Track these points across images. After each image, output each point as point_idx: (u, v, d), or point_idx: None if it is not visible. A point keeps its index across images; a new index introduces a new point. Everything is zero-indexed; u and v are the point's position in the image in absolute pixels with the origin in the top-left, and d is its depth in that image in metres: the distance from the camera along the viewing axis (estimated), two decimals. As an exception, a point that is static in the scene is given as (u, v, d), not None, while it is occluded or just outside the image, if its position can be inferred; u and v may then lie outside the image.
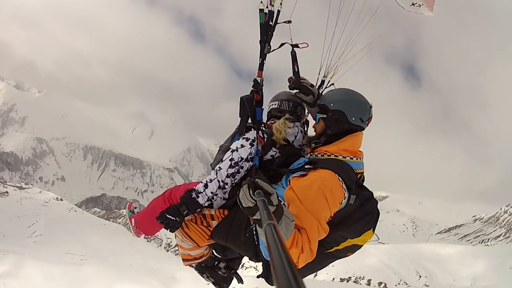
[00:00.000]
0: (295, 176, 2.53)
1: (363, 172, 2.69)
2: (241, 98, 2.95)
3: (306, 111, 3.26)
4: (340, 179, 2.41)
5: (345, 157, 2.58)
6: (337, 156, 2.58)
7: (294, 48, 3.00)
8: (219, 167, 2.91)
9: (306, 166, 2.56)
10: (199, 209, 2.92)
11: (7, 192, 32.86)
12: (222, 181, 2.88)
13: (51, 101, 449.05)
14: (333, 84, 3.22)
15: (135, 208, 3.67)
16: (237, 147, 2.91)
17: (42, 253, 18.14)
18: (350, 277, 31.07)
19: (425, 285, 28.62)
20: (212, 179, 2.90)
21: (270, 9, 2.88)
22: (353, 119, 2.65)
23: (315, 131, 2.84)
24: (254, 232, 2.59)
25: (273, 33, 2.93)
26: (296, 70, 2.98)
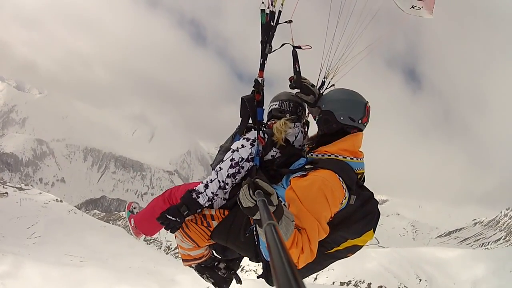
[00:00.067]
0: (296, 176, 2.53)
1: (363, 173, 2.68)
2: (242, 98, 2.94)
3: (307, 111, 3.26)
4: (341, 179, 2.41)
5: (345, 157, 2.58)
6: (337, 156, 2.58)
7: (296, 49, 2.99)
8: (220, 167, 2.90)
9: (307, 166, 2.56)
10: (199, 210, 2.91)
11: (6, 193, 32.82)
12: (223, 181, 2.86)
13: (51, 102, 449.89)
14: (333, 85, 3.23)
15: (134, 208, 3.65)
16: (237, 147, 2.90)
17: (41, 254, 18.10)
18: (350, 281, 30.96)
19: (425, 288, 28.54)
20: (213, 179, 2.89)
21: (271, 10, 2.89)
22: (342, 118, 2.66)
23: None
24: (254, 232, 2.59)
25: (274, 33, 2.94)
26: (297, 69, 2.98)
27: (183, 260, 3.34)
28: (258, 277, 2.77)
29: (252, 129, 3.02)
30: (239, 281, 3.42)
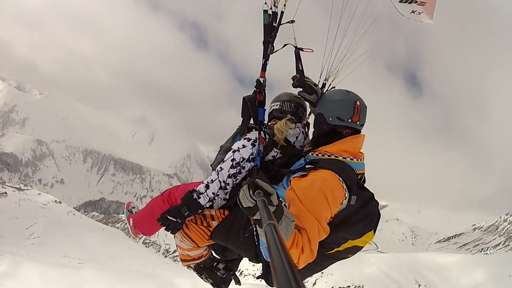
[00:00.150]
0: (296, 177, 2.54)
1: (363, 173, 2.69)
2: (243, 98, 2.95)
3: (308, 112, 3.28)
4: (341, 179, 2.41)
5: (345, 158, 2.59)
6: (337, 156, 2.59)
7: (298, 50, 3.02)
8: (221, 168, 2.89)
9: (307, 166, 2.57)
10: (200, 210, 2.90)
11: (6, 193, 32.76)
12: (224, 181, 2.86)
13: (52, 103, 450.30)
14: (334, 87, 3.24)
15: (133, 208, 3.62)
16: (238, 148, 2.90)
17: (40, 255, 18.05)
18: (349, 286, 30.83)
19: (424, 294, 28.42)
20: (214, 179, 2.89)
21: (274, 10, 2.92)
22: (330, 119, 2.68)
23: None
24: (254, 233, 2.59)
25: (277, 34, 2.96)
26: (300, 68, 3.00)
27: (182, 260, 3.32)
28: (258, 277, 2.77)
29: (253, 130, 3.02)
30: (238, 282, 3.40)
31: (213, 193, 2.86)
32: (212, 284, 3.36)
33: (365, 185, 2.73)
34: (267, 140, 2.93)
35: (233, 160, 2.87)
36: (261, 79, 2.97)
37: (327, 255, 2.62)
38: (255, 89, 2.97)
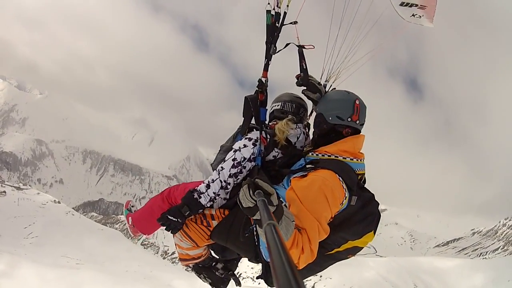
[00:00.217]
0: (296, 177, 2.54)
1: (364, 174, 2.69)
2: (245, 97, 2.95)
3: (309, 113, 3.29)
4: (341, 179, 2.42)
5: (345, 158, 2.59)
6: (337, 156, 2.60)
7: (297, 47, 3.03)
8: (222, 167, 2.88)
9: (307, 166, 2.58)
10: (201, 210, 2.89)
11: (4, 191, 32.68)
12: (225, 181, 2.85)
13: (52, 103, 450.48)
14: (334, 88, 3.25)
15: (132, 206, 3.60)
16: (239, 147, 2.89)
17: (38, 255, 17.99)
18: (347, 290, 30.69)
19: (423, 298, 28.34)
20: (214, 179, 2.87)
21: (276, 11, 2.93)
22: (330, 118, 2.69)
23: None
24: (254, 233, 2.59)
25: (279, 34, 2.98)
26: (304, 67, 3.02)
27: (181, 259, 3.30)
28: (257, 277, 2.76)
29: (254, 129, 3.02)
30: (237, 282, 3.38)
31: (214, 193, 2.85)
32: (210, 284, 3.34)
33: (365, 186, 2.73)
34: (268, 140, 2.93)
35: (234, 159, 2.86)
36: (263, 79, 2.98)
37: (327, 255, 2.62)
38: (257, 89, 2.98)
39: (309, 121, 3.28)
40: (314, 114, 3.11)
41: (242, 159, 2.86)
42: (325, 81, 3.32)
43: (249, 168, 2.90)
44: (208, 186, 2.87)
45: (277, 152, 2.95)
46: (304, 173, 2.52)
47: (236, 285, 3.38)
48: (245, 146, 2.89)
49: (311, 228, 2.17)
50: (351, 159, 2.60)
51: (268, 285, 2.75)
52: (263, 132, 2.92)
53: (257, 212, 1.86)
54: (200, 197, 2.85)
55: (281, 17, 2.95)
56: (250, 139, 2.92)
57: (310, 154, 2.72)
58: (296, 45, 3.02)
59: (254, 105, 2.91)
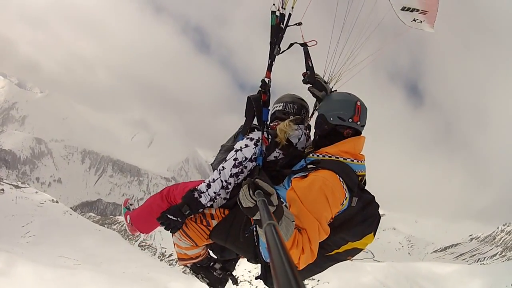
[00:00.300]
0: (297, 177, 2.55)
1: (364, 175, 2.70)
2: (248, 97, 2.95)
3: (310, 114, 3.30)
4: (341, 180, 2.42)
5: (345, 159, 2.60)
6: (337, 157, 2.61)
7: (303, 46, 3.07)
8: (223, 167, 2.87)
9: (308, 167, 2.58)
10: (201, 210, 2.87)
11: (3, 189, 32.64)
12: (225, 181, 2.84)
13: (52, 102, 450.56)
14: (335, 90, 3.27)
15: (131, 205, 3.57)
16: (241, 147, 2.88)
17: (35, 254, 17.93)
18: (345, 294, 30.58)
19: (421, 304, 28.23)
20: (215, 178, 2.86)
21: (281, 12, 2.96)
22: (331, 119, 2.71)
23: None
24: (254, 233, 2.58)
25: (283, 35, 3.00)
26: (310, 65, 3.04)
27: (179, 259, 3.28)
28: (257, 278, 2.74)
29: (255, 130, 3.02)
30: (235, 282, 3.38)
31: (214, 193, 2.84)
32: (208, 284, 3.33)
33: (366, 188, 2.74)
34: (269, 140, 2.92)
35: (235, 159, 2.85)
36: (266, 80, 2.99)
37: (326, 256, 2.62)
38: (260, 89, 2.99)
39: (310, 123, 3.29)
40: (315, 115, 3.14)
41: (244, 159, 2.84)
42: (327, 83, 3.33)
43: (250, 168, 2.89)
44: (208, 186, 2.86)
45: (278, 152, 2.95)
46: (305, 174, 2.53)
47: (233, 284, 3.38)
48: (246, 146, 2.88)
49: (311, 228, 2.17)
50: (351, 160, 2.61)
51: (268, 285, 2.74)
52: (264, 132, 2.92)
53: (257, 212, 1.86)
54: (200, 197, 2.84)
55: (286, 18, 2.97)
56: (251, 139, 2.91)
57: (311, 155, 2.73)
58: (300, 44, 3.06)
59: (256, 105, 2.92)
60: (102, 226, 40.28)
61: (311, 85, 3.03)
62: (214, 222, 2.87)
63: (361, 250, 2.71)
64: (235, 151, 2.89)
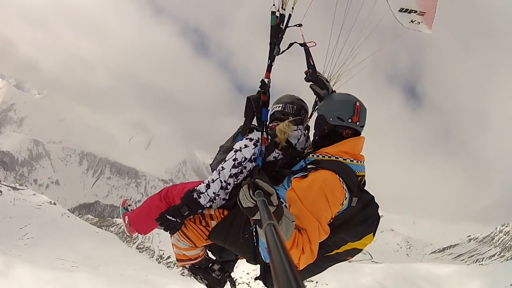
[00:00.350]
0: (297, 177, 2.55)
1: (364, 176, 2.70)
2: (248, 97, 2.95)
3: (309, 115, 3.31)
4: (341, 180, 2.43)
5: (345, 159, 2.61)
6: (337, 157, 2.61)
7: (302, 46, 3.08)
8: (222, 167, 2.87)
9: (308, 167, 2.59)
10: (200, 210, 2.86)
11: (0, 191, 32.52)
12: (225, 181, 2.83)
13: (50, 103, 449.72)
14: (334, 91, 3.28)
15: (129, 205, 3.54)
16: (240, 147, 2.88)
17: (33, 256, 17.87)
18: (344, 297, 30.55)
19: (420, 305, 28.26)
20: (215, 179, 2.85)
21: (281, 13, 2.97)
22: (331, 119, 2.72)
23: None
24: (254, 233, 2.57)
25: (283, 36, 3.01)
26: (312, 63, 3.05)
27: (177, 260, 3.26)
28: (256, 278, 2.73)
29: (255, 130, 3.02)
30: (233, 284, 3.36)
31: (213, 193, 2.83)
32: (206, 285, 3.32)
33: (365, 188, 2.74)
34: (269, 140, 2.92)
35: (235, 159, 2.85)
36: (266, 80, 3.00)
37: (326, 257, 2.62)
38: (259, 89, 2.99)
39: (308, 124, 3.30)
40: (314, 115, 3.14)
41: (243, 159, 2.84)
42: None
43: (249, 169, 2.89)
44: (208, 186, 2.85)
45: (277, 153, 2.95)
46: (305, 174, 2.53)
47: (231, 286, 3.36)
48: (246, 146, 2.88)
49: (311, 228, 2.17)
50: (351, 160, 2.62)
51: (267, 286, 2.73)
52: (264, 132, 2.92)
53: (257, 212, 1.85)
54: (199, 197, 2.83)
55: (286, 19, 2.98)
56: (251, 140, 2.91)
57: (311, 155, 2.73)
58: (300, 44, 3.07)
59: (256, 106, 2.92)
60: (100, 228, 40.16)
61: (313, 83, 3.04)
62: (213, 223, 2.86)
63: (360, 250, 2.72)
64: (234, 152, 2.89)
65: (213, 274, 3.31)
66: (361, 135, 2.79)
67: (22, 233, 25.17)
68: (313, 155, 2.72)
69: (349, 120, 2.69)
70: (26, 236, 24.76)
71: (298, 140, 3.00)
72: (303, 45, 3.08)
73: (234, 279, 3.47)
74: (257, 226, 1.97)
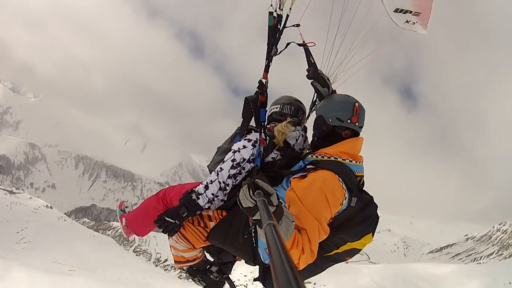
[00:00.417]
0: (296, 177, 2.56)
1: (363, 176, 2.71)
2: (246, 98, 2.95)
3: (306, 115, 3.32)
4: (341, 180, 2.44)
5: (344, 160, 2.62)
6: (336, 158, 2.62)
7: (301, 46, 3.09)
8: (220, 168, 2.86)
9: (307, 167, 2.59)
10: (198, 211, 2.85)
11: (-3, 194, 32.35)
12: (224, 182, 2.82)
13: (46, 107, 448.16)
14: (335, 91, 3.30)
15: (126, 207, 3.51)
16: (239, 148, 2.87)
17: (30, 260, 17.76)
18: (342, 298, 30.54)
19: (419, 306, 28.27)
20: (213, 180, 2.84)
21: (279, 13, 2.97)
22: (330, 120, 2.73)
23: None
24: (253, 234, 2.57)
25: (281, 36, 3.01)
26: (313, 61, 3.07)
27: (175, 261, 3.24)
28: (255, 279, 2.72)
29: (253, 131, 3.02)
30: (232, 285, 3.33)
31: (212, 194, 2.82)
32: (204, 287, 3.29)
33: (364, 188, 2.75)
34: (267, 141, 2.92)
35: (233, 160, 2.84)
36: (264, 80, 3.00)
37: (326, 257, 2.62)
38: (257, 90, 2.99)
39: (306, 125, 3.30)
40: (312, 116, 3.15)
41: (242, 160, 2.84)
42: None
43: (248, 169, 2.88)
44: (206, 187, 2.84)
45: (276, 154, 2.95)
46: (304, 174, 2.54)
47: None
48: (244, 147, 2.87)
49: (311, 228, 2.17)
50: (350, 160, 2.62)
51: (266, 287, 2.72)
52: (262, 133, 2.92)
53: (257, 212, 1.85)
54: (198, 198, 2.81)
55: (283, 19, 2.99)
56: (249, 140, 2.90)
57: (310, 156, 2.74)
58: (298, 44, 3.08)
59: (254, 106, 2.92)
60: (96, 232, 39.97)
61: (314, 81, 3.06)
62: (211, 224, 2.85)
63: (359, 250, 2.72)
64: (233, 152, 2.88)
65: (211, 276, 3.28)
66: (360, 136, 2.81)
67: (19, 237, 25.01)
68: (312, 156, 2.72)
69: (348, 121, 2.70)
70: (23, 240, 24.60)
71: (297, 140, 3.00)
72: (303, 44, 3.09)
73: (233, 280, 3.45)
74: (257, 226, 1.97)
